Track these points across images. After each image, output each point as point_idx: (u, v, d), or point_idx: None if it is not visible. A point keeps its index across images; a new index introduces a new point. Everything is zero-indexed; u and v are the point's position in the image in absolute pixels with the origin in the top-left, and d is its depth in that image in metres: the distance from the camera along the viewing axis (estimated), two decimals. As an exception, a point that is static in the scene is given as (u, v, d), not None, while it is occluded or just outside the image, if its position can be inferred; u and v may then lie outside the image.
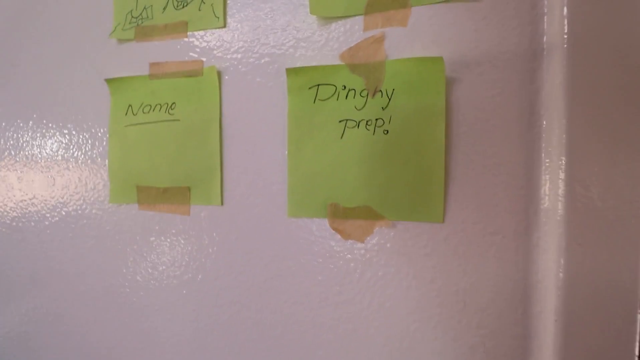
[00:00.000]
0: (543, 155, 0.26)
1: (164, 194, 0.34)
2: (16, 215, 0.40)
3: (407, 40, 0.28)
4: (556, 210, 0.25)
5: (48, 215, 0.38)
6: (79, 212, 0.37)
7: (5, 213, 0.40)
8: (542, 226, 0.26)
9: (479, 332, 0.27)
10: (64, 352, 0.38)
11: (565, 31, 0.25)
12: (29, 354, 0.40)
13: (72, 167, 0.37)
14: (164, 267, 0.34)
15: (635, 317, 0.25)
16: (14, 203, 0.40)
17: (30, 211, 0.39)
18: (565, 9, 0.25)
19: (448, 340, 0.28)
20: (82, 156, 0.37)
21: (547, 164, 0.26)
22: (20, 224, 0.40)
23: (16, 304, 0.40)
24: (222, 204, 0.33)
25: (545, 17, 0.26)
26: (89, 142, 0.37)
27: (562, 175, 0.25)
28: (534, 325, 0.26)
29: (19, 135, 0.39)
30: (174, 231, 0.34)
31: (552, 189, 0.25)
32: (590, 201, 0.24)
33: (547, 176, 0.26)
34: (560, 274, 0.25)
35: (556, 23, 0.25)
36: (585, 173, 0.24)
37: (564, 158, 0.25)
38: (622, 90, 0.25)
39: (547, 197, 0.26)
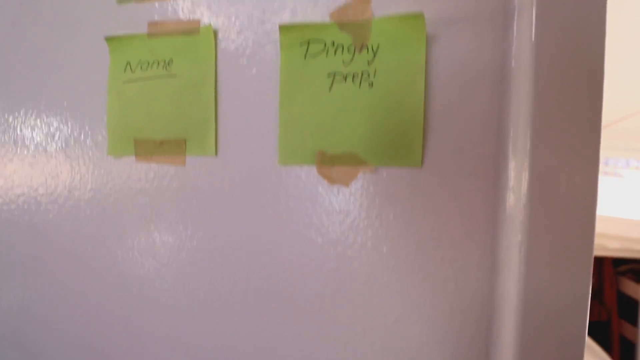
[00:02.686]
0: (512, 101, 0.29)
1: (161, 146, 0.36)
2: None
3: (391, 1, 0.30)
4: (524, 159, 0.28)
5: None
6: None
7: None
8: (510, 166, 0.28)
9: (452, 266, 0.30)
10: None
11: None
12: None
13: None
14: (162, 218, 0.36)
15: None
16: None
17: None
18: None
19: (423, 275, 0.30)
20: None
21: (516, 111, 0.28)
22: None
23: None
24: (216, 154, 0.35)
25: (516, -21, 0.28)
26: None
27: (528, 117, 0.27)
28: (502, 257, 0.29)
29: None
30: (170, 182, 0.36)
31: (521, 130, 0.28)
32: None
33: (517, 122, 0.28)
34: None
35: (525, -16, 0.28)
36: (550, 120, 0.27)
37: (530, 102, 0.27)
38: (583, 50, 0.28)
39: (517, 143, 0.28)
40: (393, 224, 0.31)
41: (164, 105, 0.36)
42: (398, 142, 0.30)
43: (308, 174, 0.32)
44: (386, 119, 0.30)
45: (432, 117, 0.30)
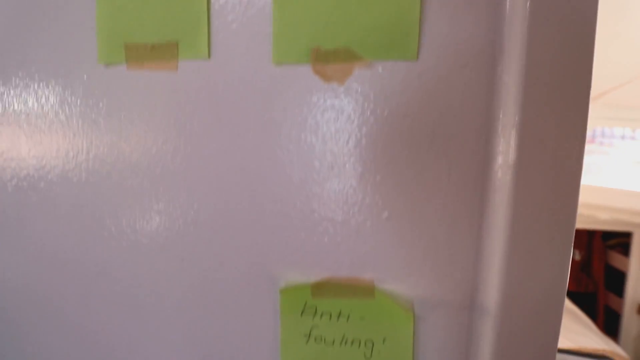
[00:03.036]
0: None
1: (152, 51, 0.35)
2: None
3: None
4: (521, 42, 0.28)
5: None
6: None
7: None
8: (506, 57, 0.28)
9: (445, 159, 0.30)
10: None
11: None
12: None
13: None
14: (153, 125, 0.36)
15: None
16: None
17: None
18: None
19: (417, 170, 0.30)
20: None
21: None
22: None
23: None
24: (209, 57, 0.34)
25: None
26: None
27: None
28: (495, 145, 0.29)
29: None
30: (162, 89, 0.35)
31: (518, 12, 0.27)
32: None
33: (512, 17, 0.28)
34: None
35: None
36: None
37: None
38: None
39: (512, 27, 0.28)
40: (388, 120, 0.30)
41: (154, 7, 0.35)
42: (394, 34, 0.30)
43: (303, 73, 0.32)
44: (382, 10, 0.30)
45: (429, 7, 0.29)
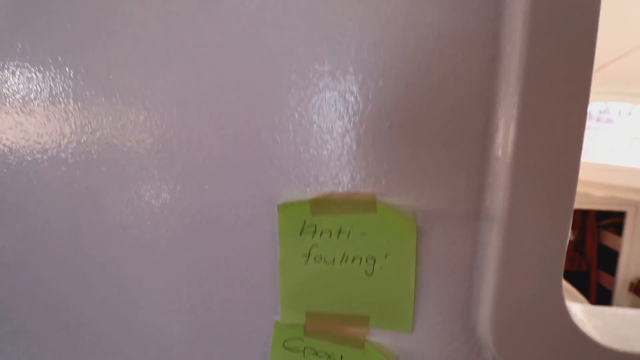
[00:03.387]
0: None
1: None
2: None
3: None
4: None
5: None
6: None
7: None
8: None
9: (451, 60, 0.28)
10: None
11: None
12: None
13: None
14: (144, 37, 0.34)
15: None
16: None
17: None
18: None
19: (422, 72, 0.29)
20: None
21: None
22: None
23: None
24: (201, -38, 0.32)
25: None
26: None
27: None
28: (502, 45, 0.27)
29: None
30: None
31: None
32: None
33: None
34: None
35: None
36: None
37: None
38: None
39: None
40: (391, 19, 0.29)
41: None
42: None
43: (301, -27, 0.30)
44: None
45: None
